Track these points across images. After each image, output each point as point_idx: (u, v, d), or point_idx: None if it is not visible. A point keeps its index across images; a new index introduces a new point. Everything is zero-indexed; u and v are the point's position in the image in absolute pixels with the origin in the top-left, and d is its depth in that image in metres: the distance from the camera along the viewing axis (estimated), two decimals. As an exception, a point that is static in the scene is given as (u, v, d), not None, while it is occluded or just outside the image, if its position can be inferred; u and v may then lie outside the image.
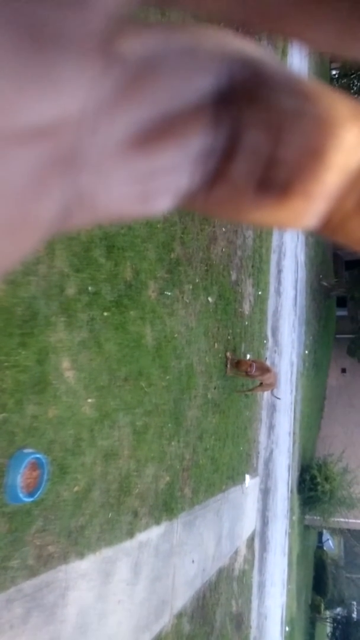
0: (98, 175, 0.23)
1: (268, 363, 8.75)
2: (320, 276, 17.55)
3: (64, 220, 0.24)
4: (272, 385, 7.65)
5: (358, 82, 18.04)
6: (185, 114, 0.24)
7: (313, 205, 0.27)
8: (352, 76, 17.54)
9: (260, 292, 8.56)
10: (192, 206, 0.28)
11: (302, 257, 14.32)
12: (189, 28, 0.25)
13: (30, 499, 2.69)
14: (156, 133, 0.23)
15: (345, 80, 18.64)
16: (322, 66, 16.85)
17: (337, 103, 0.26)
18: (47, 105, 0.18)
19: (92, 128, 0.21)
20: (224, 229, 6.34)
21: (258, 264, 8.29)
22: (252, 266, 7.94)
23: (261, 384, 7.37)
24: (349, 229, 0.28)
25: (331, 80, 19.22)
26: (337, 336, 24.39)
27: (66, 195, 0.22)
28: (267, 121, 0.25)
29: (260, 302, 8.69)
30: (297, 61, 12.91)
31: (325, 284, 18.46)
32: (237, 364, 6.61)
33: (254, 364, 6.67)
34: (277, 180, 0.26)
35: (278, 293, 10.73)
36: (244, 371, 6.61)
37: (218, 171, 0.26)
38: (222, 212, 0.28)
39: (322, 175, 0.26)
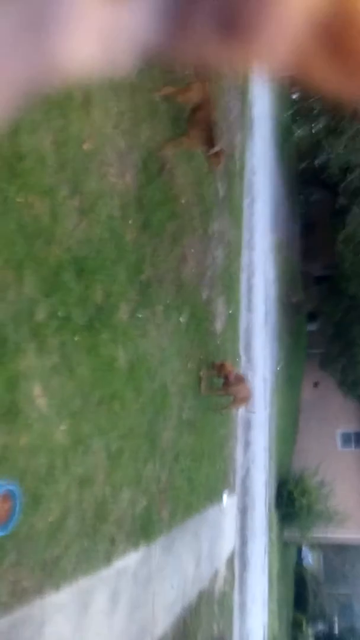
0: (65, 26, 0.24)
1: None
2: (289, 293, 17.87)
3: (32, 79, 0.25)
4: (245, 400, 7.66)
5: (316, 105, 18.83)
6: None
7: (276, 43, 0.28)
8: (310, 100, 18.36)
9: (231, 311, 8.65)
10: (158, 54, 0.28)
11: (271, 275, 14.56)
12: None
13: (3, 533, 2.62)
14: None
15: (305, 103, 19.42)
16: (282, 91, 17.50)
17: None
18: None
19: None
20: (192, 250, 6.41)
21: (228, 282, 8.39)
22: (223, 285, 8.03)
23: (234, 399, 7.39)
24: (312, 69, 0.29)
25: (292, 103, 19.98)
26: (309, 351, 24.74)
27: (34, 50, 0.23)
28: None
29: (232, 320, 8.77)
30: (259, 88, 13.32)
31: (293, 300, 18.79)
32: (220, 367, 6.72)
33: (233, 373, 6.80)
34: (239, 21, 0.27)
35: (249, 310, 10.85)
36: (224, 376, 6.71)
37: (181, 16, 0.27)
38: (189, 56, 0.29)
39: (283, 14, 0.27)
